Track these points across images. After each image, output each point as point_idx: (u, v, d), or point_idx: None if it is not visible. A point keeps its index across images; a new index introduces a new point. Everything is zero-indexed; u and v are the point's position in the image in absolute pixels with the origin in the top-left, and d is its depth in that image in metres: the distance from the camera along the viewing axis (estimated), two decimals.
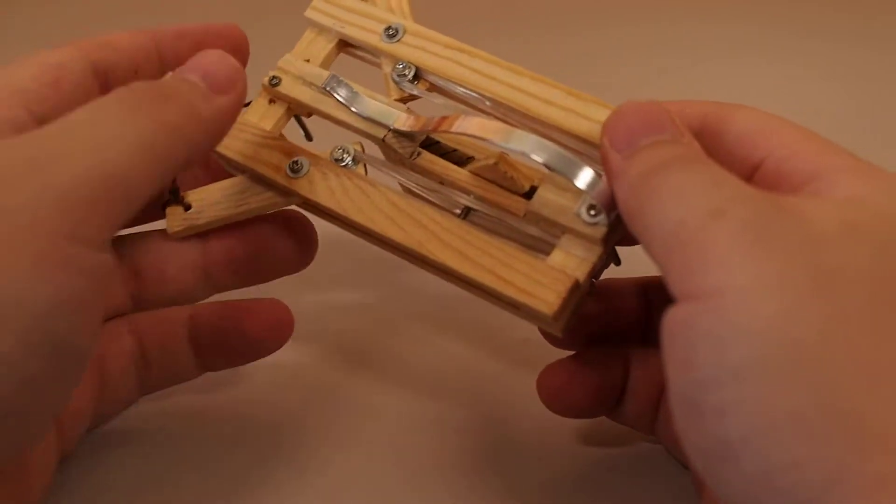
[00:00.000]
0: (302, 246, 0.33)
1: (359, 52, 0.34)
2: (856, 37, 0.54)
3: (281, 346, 0.33)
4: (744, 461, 0.20)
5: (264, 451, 0.34)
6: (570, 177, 0.28)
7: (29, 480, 0.28)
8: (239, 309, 0.33)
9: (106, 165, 0.23)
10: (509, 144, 0.29)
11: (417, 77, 0.33)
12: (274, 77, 0.33)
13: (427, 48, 0.33)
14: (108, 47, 0.30)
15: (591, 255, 0.29)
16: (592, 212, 0.28)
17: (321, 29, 0.34)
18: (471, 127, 0.30)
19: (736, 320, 0.21)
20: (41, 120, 0.26)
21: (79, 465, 0.33)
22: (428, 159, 0.33)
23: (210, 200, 0.33)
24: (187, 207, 0.33)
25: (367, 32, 0.33)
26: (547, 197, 0.29)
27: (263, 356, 0.33)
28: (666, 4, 0.58)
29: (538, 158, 0.29)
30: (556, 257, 0.29)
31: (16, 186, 0.22)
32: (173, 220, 0.33)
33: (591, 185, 0.28)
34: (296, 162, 0.32)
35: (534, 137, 0.29)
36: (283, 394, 0.36)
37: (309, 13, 0.34)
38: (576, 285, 0.28)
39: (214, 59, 0.28)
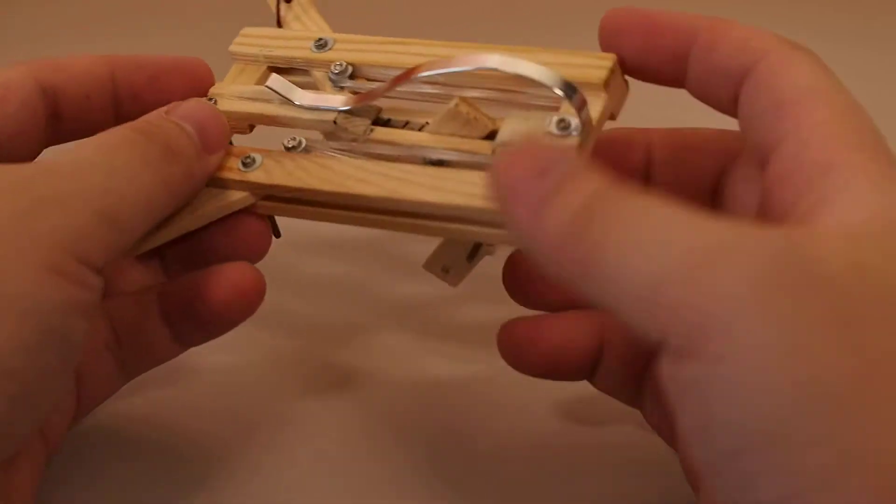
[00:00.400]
0: (253, 235, 0.32)
1: (289, 78, 0.34)
2: (856, 37, 0.53)
3: (252, 312, 0.31)
4: None
5: (231, 453, 0.34)
6: (550, 85, 0.28)
7: (21, 480, 0.28)
8: (202, 277, 0.31)
9: (114, 208, 0.27)
10: (487, 64, 0.28)
11: (354, 76, 0.33)
12: (210, 99, 0.33)
13: (361, 48, 0.33)
14: (60, 70, 0.31)
15: None
16: (562, 124, 0.28)
17: (247, 62, 0.34)
18: (436, 65, 0.29)
19: (757, 384, 0.20)
20: None
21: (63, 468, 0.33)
22: (383, 133, 0.32)
23: None
24: None
25: (297, 49, 0.34)
26: (514, 126, 0.29)
27: (236, 324, 0.32)
28: (666, 5, 0.58)
29: (516, 71, 0.28)
30: None
31: (44, 215, 0.25)
32: None
33: (568, 87, 0.27)
34: (248, 157, 0.31)
35: (500, 55, 0.28)
36: (259, 394, 0.36)
37: (234, 48, 0.34)
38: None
39: (209, 115, 0.30)
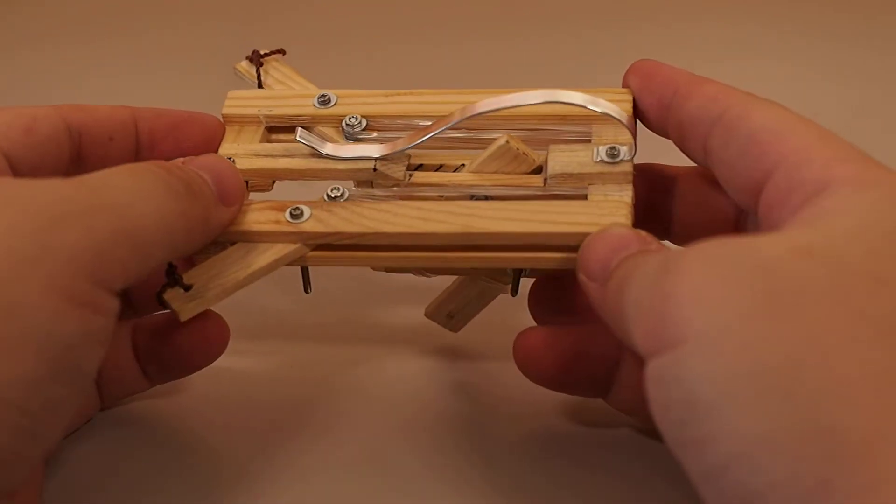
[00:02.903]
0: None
1: (283, 138, 0.33)
2: (857, 37, 0.53)
3: (214, 360, 0.33)
4: (725, 487, 0.21)
5: (238, 468, 0.34)
6: (596, 108, 0.29)
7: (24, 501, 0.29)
8: (171, 322, 0.32)
9: (134, 228, 0.26)
10: (529, 101, 0.29)
11: (366, 128, 0.32)
12: (228, 158, 0.32)
13: (367, 101, 0.33)
14: (84, 112, 0.32)
15: (626, 189, 0.30)
16: (614, 152, 0.30)
17: (242, 122, 0.33)
18: (478, 107, 0.30)
19: (697, 362, 0.22)
20: (10, 159, 0.29)
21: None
22: (423, 176, 0.32)
23: (210, 274, 0.30)
24: (187, 288, 0.30)
25: (299, 107, 0.33)
26: (563, 158, 0.30)
27: (197, 369, 0.33)
28: (667, 5, 0.58)
29: (574, 101, 0.29)
30: (596, 199, 0.30)
31: (65, 229, 0.25)
32: (179, 304, 0.30)
33: (613, 109, 0.29)
34: (295, 209, 0.30)
35: (546, 90, 0.30)
36: (258, 399, 0.36)
37: (227, 111, 0.34)
38: (631, 208, 0.29)
39: (225, 168, 0.30)
